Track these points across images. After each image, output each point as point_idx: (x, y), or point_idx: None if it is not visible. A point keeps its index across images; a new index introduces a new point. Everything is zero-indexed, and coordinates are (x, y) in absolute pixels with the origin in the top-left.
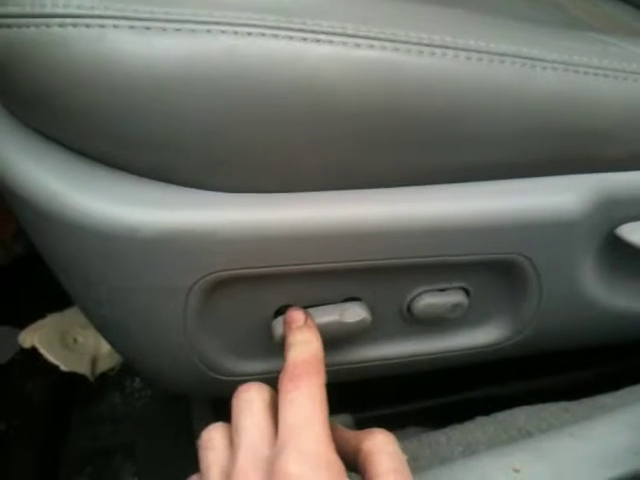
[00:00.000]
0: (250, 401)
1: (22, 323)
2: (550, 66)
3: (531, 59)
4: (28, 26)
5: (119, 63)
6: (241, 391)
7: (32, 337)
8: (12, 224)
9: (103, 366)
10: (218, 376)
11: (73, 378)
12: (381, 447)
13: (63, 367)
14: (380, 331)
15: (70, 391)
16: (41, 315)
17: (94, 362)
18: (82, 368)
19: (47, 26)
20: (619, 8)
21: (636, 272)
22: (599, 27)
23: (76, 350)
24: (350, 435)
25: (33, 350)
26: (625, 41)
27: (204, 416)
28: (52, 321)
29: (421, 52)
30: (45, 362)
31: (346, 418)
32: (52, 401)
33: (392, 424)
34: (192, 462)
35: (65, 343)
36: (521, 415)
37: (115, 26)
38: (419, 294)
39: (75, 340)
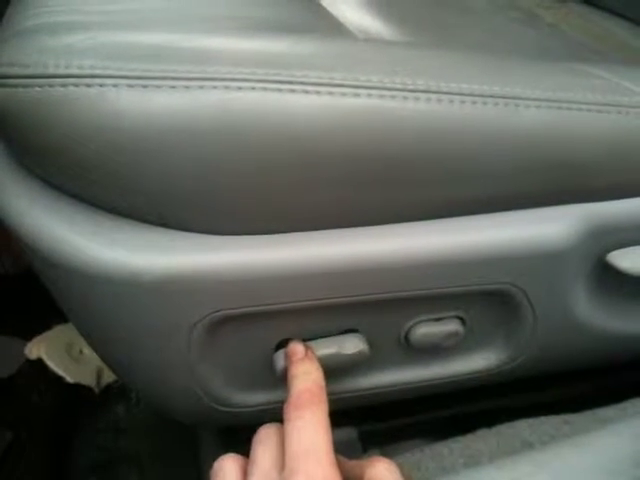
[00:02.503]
0: (267, 437)
1: (29, 334)
2: (533, 104)
3: (514, 98)
4: (32, 86)
5: (118, 120)
6: (261, 429)
7: (38, 348)
8: None
9: (108, 378)
10: (222, 408)
11: (78, 389)
12: (383, 475)
13: (69, 378)
14: (378, 360)
15: (75, 402)
16: (47, 327)
17: (99, 374)
18: (87, 379)
19: (50, 86)
20: (622, 27)
21: (628, 295)
22: (600, 50)
23: (82, 362)
24: (352, 464)
25: (39, 361)
26: (611, 72)
27: (210, 434)
28: (58, 333)
29: (406, 98)
30: (51, 373)
31: (350, 431)
32: (58, 412)
33: (395, 437)
34: (196, 474)
35: (71, 355)
36: (523, 427)
37: (114, 85)
38: (416, 324)
39: (81, 352)
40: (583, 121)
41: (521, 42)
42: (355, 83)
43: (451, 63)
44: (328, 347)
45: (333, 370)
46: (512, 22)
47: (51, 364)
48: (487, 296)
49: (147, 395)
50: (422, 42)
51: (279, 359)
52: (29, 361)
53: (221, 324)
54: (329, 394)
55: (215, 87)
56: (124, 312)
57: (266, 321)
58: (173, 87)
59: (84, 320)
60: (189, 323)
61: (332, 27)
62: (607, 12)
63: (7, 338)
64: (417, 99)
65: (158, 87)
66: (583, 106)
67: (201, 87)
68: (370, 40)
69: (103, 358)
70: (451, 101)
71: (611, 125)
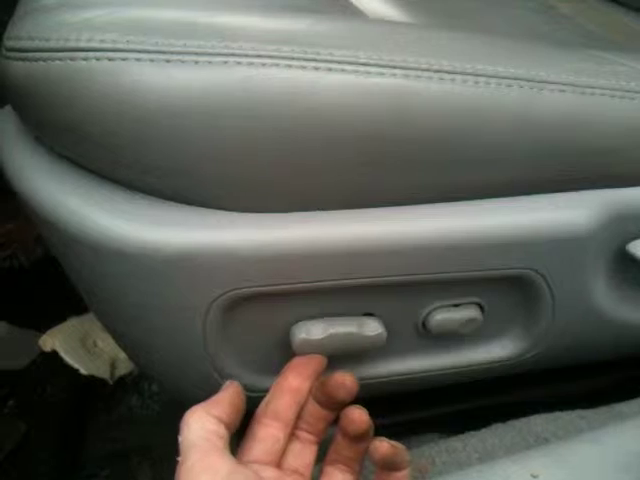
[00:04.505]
0: None
1: (43, 326)
2: (557, 88)
3: (538, 82)
4: (54, 60)
5: (140, 95)
6: None
7: (52, 340)
8: (34, 228)
9: (122, 370)
10: None
11: (92, 381)
12: None
13: (83, 370)
14: (396, 347)
15: (89, 394)
16: (61, 319)
17: (113, 366)
18: (101, 371)
19: (72, 60)
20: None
21: None
22: (616, 41)
23: (96, 354)
24: None
25: (53, 353)
26: (633, 60)
27: None
28: (72, 325)
29: (430, 78)
30: (65, 365)
31: None
32: (71, 404)
33: (410, 430)
34: None
35: (85, 347)
36: (538, 422)
37: (137, 59)
38: (434, 310)
39: (95, 344)
40: (607, 107)
41: (539, 31)
42: (380, 62)
43: (475, 45)
44: (348, 325)
45: (350, 354)
46: (529, 12)
47: (65, 356)
48: (506, 282)
49: (162, 379)
50: (443, 25)
51: (298, 330)
52: (43, 353)
53: (238, 303)
54: None
55: (239, 63)
56: (139, 289)
57: (282, 301)
58: (196, 62)
59: (100, 299)
60: (205, 302)
61: (349, 10)
62: (625, 7)
63: (21, 330)
64: (442, 79)
65: (181, 62)
66: (607, 92)
67: (225, 63)
68: (391, 21)
69: (118, 340)
70: (476, 82)
71: (635, 111)
